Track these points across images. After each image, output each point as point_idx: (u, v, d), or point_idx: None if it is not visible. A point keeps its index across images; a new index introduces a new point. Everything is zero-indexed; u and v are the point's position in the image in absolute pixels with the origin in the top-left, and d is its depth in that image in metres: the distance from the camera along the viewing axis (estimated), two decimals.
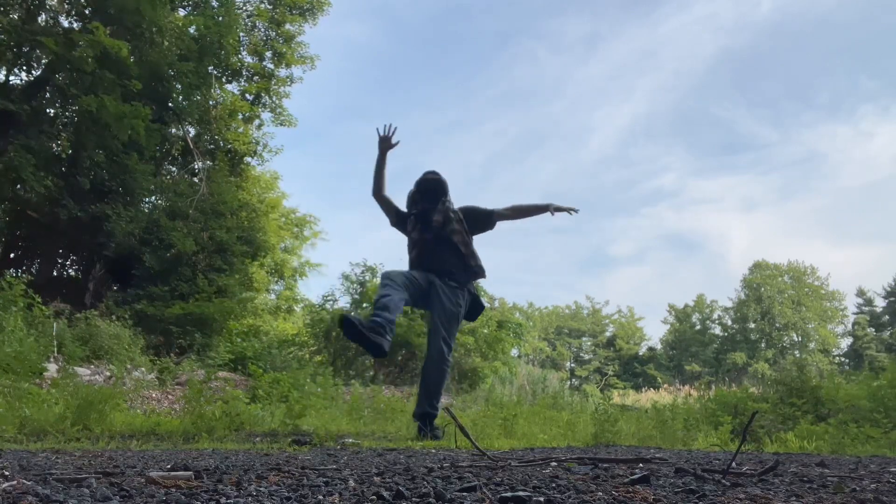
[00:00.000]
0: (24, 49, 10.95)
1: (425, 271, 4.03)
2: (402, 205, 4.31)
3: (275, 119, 15.69)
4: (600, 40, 58.35)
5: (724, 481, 1.56)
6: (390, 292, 3.70)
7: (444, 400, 10.35)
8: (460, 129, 59.01)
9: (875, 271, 56.13)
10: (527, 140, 57.73)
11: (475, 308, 4.21)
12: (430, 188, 4.13)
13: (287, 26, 15.31)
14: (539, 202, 4.21)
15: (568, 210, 4.17)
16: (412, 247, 4.17)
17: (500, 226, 4.26)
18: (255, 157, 15.20)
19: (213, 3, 13.52)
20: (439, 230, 4.06)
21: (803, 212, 58.08)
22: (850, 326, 41.01)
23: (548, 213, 4.14)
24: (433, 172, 4.17)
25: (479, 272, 4.13)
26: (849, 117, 55.94)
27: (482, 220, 4.22)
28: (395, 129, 4.13)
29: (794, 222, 58.99)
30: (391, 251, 43.90)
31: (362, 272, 14.28)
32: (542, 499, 1.24)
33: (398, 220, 4.29)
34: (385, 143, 4.14)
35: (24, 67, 11.48)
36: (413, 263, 4.15)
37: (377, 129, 4.14)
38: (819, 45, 55.34)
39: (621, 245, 66.15)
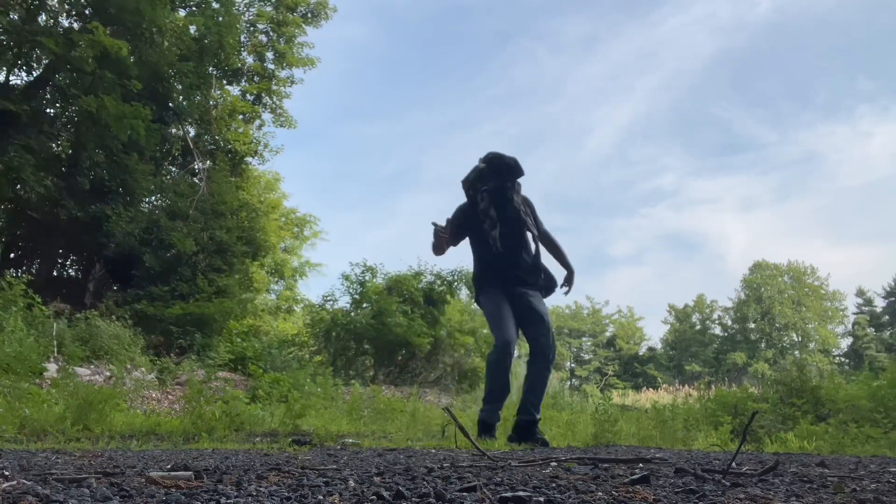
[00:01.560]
0: (24, 49, 10.95)
1: (504, 262, 3.71)
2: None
3: (275, 120, 15.71)
4: (599, 40, 58.41)
5: (724, 481, 1.56)
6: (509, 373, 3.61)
7: (443, 400, 10.36)
8: (460, 129, 59.06)
9: (875, 271, 56.22)
10: (526, 140, 57.66)
11: (549, 286, 3.95)
12: (510, 167, 3.74)
13: (289, 27, 15.32)
14: (569, 260, 4.00)
15: (567, 285, 4.00)
16: (491, 225, 3.68)
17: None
18: (256, 157, 15.20)
19: (214, 4, 13.52)
20: (517, 211, 3.74)
21: (802, 212, 58.15)
22: (850, 326, 41.01)
23: (563, 270, 4.00)
24: (506, 155, 3.81)
25: (552, 283, 3.86)
26: (847, 117, 56.01)
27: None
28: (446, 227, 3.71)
29: (793, 222, 59.06)
30: (391, 251, 43.94)
31: (362, 272, 14.28)
32: (542, 499, 1.24)
33: (458, 231, 3.82)
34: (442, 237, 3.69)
35: (24, 67, 11.48)
36: (494, 247, 3.68)
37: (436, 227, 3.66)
38: (817, 46, 55.42)
39: (620, 245, 66.18)
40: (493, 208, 3.72)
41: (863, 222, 57.00)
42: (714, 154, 59.86)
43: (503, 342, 3.58)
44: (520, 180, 3.86)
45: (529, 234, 3.80)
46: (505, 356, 3.60)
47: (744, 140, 56.89)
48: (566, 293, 4.05)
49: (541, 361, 3.70)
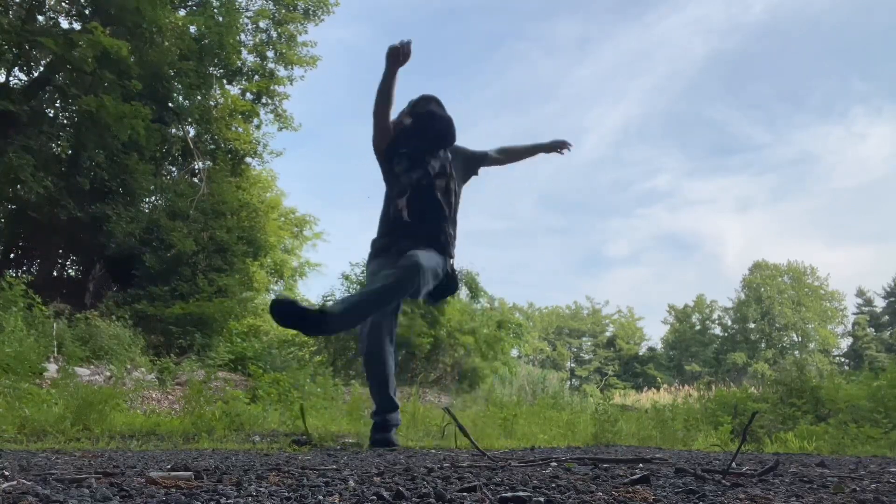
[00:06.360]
0: (24, 49, 10.94)
1: (403, 233, 3.28)
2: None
3: (276, 120, 15.66)
4: (593, 42, 58.65)
5: (724, 481, 1.56)
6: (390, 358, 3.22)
7: (443, 400, 10.36)
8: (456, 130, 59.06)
9: (873, 271, 56.32)
10: (521, 141, 57.67)
11: (449, 286, 3.40)
12: (441, 134, 3.41)
13: (289, 26, 15.28)
14: (532, 143, 3.76)
15: (562, 147, 3.75)
16: (400, 192, 3.34)
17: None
18: (256, 158, 15.19)
19: (214, 3, 13.51)
20: (432, 179, 3.32)
21: (798, 212, 58.26)
22: (849, 326, 41.04)
23: (541, 154, 3.76)
24: (441, 107, 3.42)
25: (448, 248, 3.34)
26: (841, 119, 56.20)
27: (473, 165, 3.61)
28: (410, 41, 3.27)
29: (789, 223, 59.18)
30: None
31: (362, 272, 14.27)
32: (542, 499, 1.24)
33: (388, 151, 3.46)
34: (398, 58, 3.26)
35: (24, 68, 11.47)
36: (396, 215, 3.33)
37: (391, 46, 3.26)
38: (811, 47, 55.61)
39: (617, 246, 66.28)
40: (409, 174, 3.34)
41: (859, 223, 57.17)
42: (709, 155, 60.03)
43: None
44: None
45: (444, 207, 3.34)
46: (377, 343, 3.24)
47: (738, 141, 57.11)
48: (569, 148, 3.76)
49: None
